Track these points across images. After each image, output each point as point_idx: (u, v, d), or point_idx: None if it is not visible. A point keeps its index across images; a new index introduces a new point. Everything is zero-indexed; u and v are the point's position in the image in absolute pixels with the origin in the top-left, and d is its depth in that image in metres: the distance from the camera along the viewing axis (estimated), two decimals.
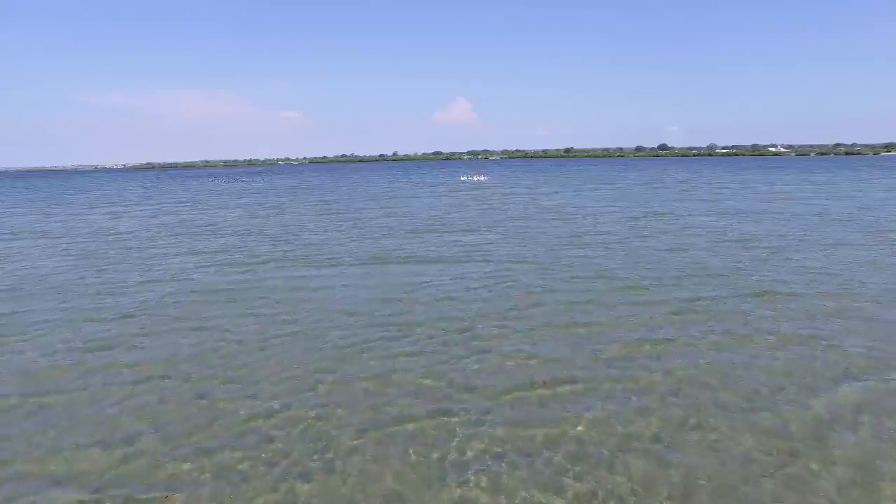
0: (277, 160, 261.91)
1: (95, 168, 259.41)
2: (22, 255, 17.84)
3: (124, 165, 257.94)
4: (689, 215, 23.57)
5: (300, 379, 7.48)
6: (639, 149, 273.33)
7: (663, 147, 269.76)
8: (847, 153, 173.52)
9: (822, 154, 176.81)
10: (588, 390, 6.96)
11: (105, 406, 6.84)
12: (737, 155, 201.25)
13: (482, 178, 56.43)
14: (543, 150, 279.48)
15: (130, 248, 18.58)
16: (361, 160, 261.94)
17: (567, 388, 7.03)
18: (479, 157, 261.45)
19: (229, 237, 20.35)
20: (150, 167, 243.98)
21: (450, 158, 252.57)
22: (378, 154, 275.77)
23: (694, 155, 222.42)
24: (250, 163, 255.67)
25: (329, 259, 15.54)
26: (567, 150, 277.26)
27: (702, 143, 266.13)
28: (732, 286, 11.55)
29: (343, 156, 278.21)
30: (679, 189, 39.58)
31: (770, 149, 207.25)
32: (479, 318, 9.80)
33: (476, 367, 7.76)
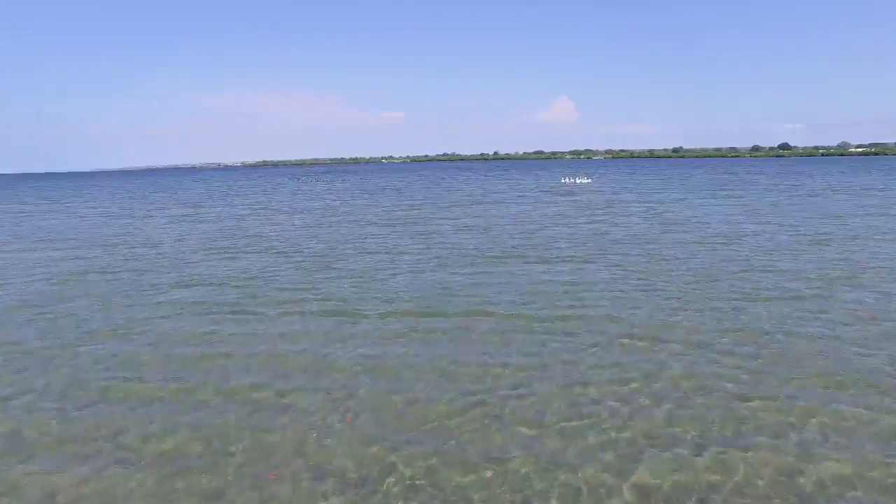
0: (381, 159, 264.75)
1: (219, 166, 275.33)
2: (3, 271, 14.20)
3: (242, 163, 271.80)
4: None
5: None
6: (755, 148, 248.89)
7: (784, 146, 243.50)
8: None
9: None
10: None
11: None
12: (877, 154, 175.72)
13: (586, 181, 49.52)
14: (650, 150, 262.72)
15: (135, 269, 14.46)
16: (462, 159, 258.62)
17: None
18: (582, 156, 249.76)
19: (261, 257, 15.77)
20: (263, 165, 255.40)
21: (551, 158, 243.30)
22: (479, 153, 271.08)
23: (822, 154, 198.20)
24: (355, 160, 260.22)
25: (362, 304, 10.34)
26: (675, 150, 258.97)
27: (830, 141, 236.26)
28: None
29: (445, 155, 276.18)
30: (838, 197, 30.85)
31: None
32: None
33: None
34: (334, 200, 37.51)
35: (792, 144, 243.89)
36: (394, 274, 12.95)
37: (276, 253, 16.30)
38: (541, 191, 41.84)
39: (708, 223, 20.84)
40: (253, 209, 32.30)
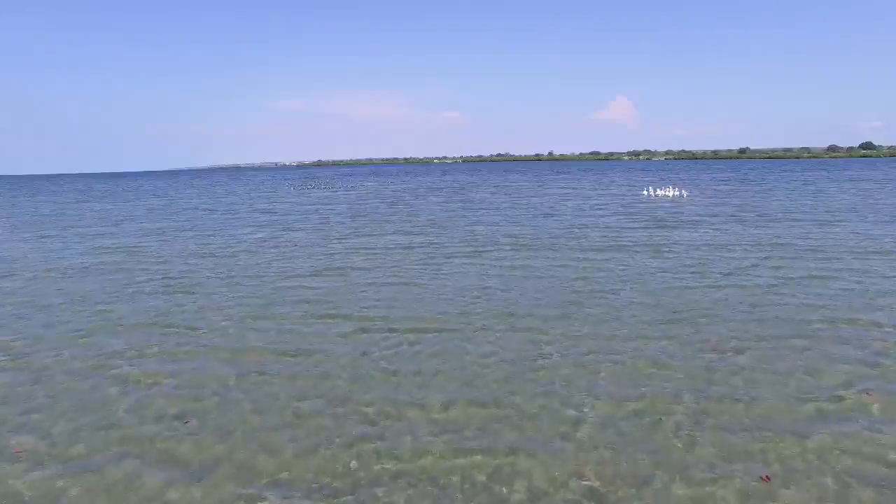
0: (434, 159, 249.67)
1: (276, 165, 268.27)
2: None
3: (299, 163, 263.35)
4: None
5: None
6: (832, 148, 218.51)
7: (867, 146, 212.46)
8: None
9: None
10: None
11: None
12: None
13: (678, 194, 33.02)
14: (713, 151, 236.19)
15: None
16: (516, 159, 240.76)
17: None
18: (641, 157, 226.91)
19: None
20: (319, 164, 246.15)
21: (608, 159, 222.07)
22: (534, 153, 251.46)
23: None
24: (407, 161, 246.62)
25: None
26: (742, 151, 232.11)
27: None
28: None
29: (499, 155, 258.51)
30: None
31: None
32: None
33: None
34: (240, 241, 22.77)
35: (876, 143, 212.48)
36: None
37: None
38: (615, 212, 25.76)
39: None
40: (184, 227, 17.93)
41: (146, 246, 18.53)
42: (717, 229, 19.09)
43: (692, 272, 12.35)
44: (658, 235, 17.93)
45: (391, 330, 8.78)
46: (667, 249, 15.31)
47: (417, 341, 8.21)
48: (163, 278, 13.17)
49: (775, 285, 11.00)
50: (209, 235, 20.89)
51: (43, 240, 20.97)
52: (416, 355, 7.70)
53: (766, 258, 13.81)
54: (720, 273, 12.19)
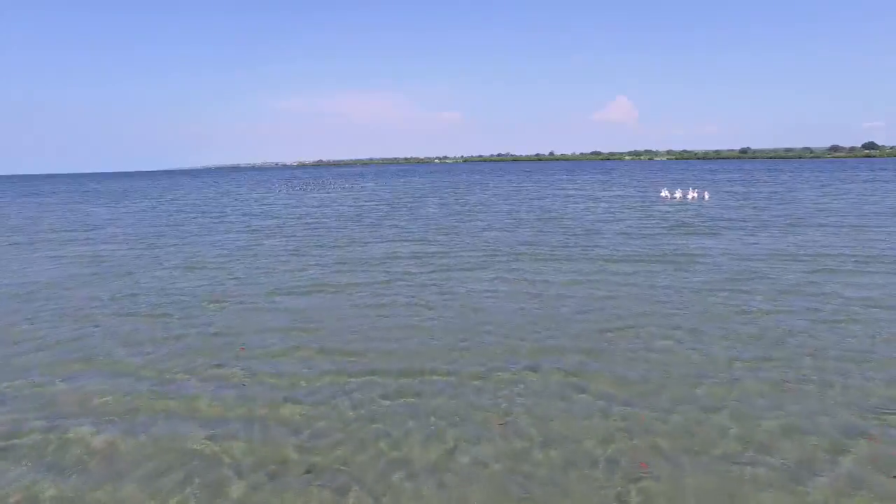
0: (435, 159, 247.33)
1: (276, 165, 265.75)
2: None
3: (300, 163, 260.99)
4: None
5: None
6: (834, 148, 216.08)
7: (870, 145, 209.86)
8: None
9: None
10: None
11: None
12: None
13: (698, 196, 30.80)
14: (715, 151, 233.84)
15: None
16: (517, 159, 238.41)
17: None
18: (642, 157, 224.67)
19: None
20: (320, 164, 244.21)
21: (609, 159, 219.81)
22: (535, 153, 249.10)
23: None
24: (407, 160, 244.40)
25: None
26: (743, 151, 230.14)
27: None
28: None
29: (500, 155, 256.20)
30: None
31: None
32: None
33: None
34: (220, 249, 20.58)
35: (879, 143, 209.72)
36: None
37: None
38: (636, 217, 23.57)
39: None
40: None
41: (120, 254, 16.39)
42: (758, 236, 16.91)
43: (750, 290, 10.18)
44: (692, 244, 15.76)
45: (372, 375, 6.63)
46: (707, 260, 13.14)
47: (400, 394, 6.07)
48: (126, 296, 11.02)
49: (859, 306, 8.85)
50: (186, 245, 18.73)
51: (12, 246, 18.83)
52: (396, 424, 5.55)
53: (819, 270, 11.64)
54: (780, 291, 10.03)
